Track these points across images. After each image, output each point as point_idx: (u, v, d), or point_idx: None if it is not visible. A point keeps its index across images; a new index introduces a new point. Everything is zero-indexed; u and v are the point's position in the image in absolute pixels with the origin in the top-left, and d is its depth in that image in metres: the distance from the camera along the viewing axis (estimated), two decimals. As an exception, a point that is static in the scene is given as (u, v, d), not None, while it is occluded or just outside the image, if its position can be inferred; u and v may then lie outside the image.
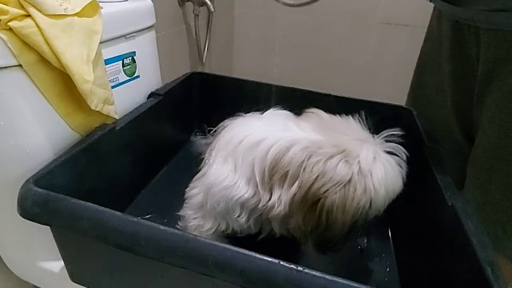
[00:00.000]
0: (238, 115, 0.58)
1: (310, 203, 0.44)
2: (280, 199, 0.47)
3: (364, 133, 0.49)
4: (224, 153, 0.52)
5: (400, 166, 0.47)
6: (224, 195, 0.50)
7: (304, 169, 0.44)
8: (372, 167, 0.44)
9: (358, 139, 0.46)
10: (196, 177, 0.59)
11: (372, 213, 0.45)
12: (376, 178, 0.43)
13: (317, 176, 0.43)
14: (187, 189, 0.60)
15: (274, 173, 0.47)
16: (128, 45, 0.66)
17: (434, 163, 0.59)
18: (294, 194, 0.45)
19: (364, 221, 0.45)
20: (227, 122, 0.58)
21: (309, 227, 0.46)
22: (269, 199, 0.48)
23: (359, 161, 0.44)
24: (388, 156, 0.46)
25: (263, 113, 0.57)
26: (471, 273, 0.39)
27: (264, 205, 0.48)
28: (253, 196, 0.49)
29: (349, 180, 0.43)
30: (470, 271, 0.40)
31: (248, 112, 0.60)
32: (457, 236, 0.44)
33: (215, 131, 0.61)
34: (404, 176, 0.47)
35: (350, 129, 0.49)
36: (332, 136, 0.48)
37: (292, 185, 0.46)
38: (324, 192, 0.43)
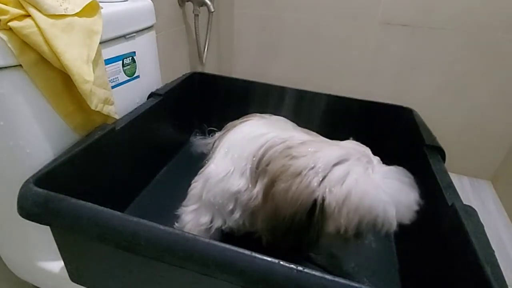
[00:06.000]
0: (251, 115, 0.60)
1: (270, 191, 0.45)
2: (258, 192, 0.48)
3: (361, 147, 0.47)
4: (225, 147, 0.54)
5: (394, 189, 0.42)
6: (220, 186, 0.51)
7: (274, 162, 0.46)
8: (333, 169, 0.42)
9: (344, 147, 0.45)
10: (200, 170, 0.59)
11: (329, 222, 0.42)
12: (333, 178, 0.42)
13: (281, 169, 0.44)
14: (192, 181, 0.61)
15: (259, 168, 0.49)
16: (128, 45, 0.66)
17: (434, 163, 0.59)
18: (265, 186, 0.46)
19: (312, 224, 0.43)
20: (235, 122, 0.59)
21: (264, 216, 0.46)
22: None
23: (320, 160, 0.43)
24: (370, 171, 0.42)
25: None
26: (471, 273, 0.39)
27: (251, 199, 0.49)
28: (245, 190, 0.50)
29: (299, 173, 0.43)
30: (470, 271, 0.40)
31: (250, 113, 0.61)
32: (457, 236, 0.44)
33: (214, 131, 0.62)
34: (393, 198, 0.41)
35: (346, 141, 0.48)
36: (320, 139, 0.48)
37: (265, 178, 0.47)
38: (278, 181, 0.44)
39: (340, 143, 0.47)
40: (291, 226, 0.44)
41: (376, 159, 0.45)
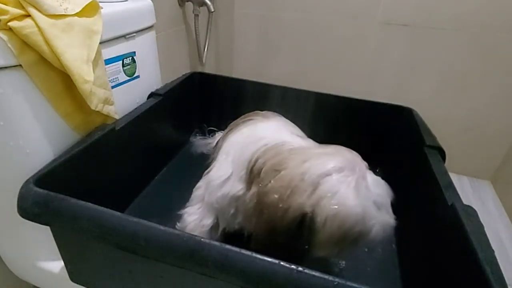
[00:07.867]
0: (255, 114, 0.60)
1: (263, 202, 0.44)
2: (252, 195, 0.48)
3: (351, 154, 0.45)
4: (226, 149, 0.54)
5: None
6: (221, 190, 0.51)
7: (265, 171, 0.45)
8: (323, 180, 0.41)
9: (333, 155, 0.44)
10: (205, 172, 0.60)
11: (318, 234, 0.41)
12: (323, 191, 0.40)
13: (273, 180, 0.44)
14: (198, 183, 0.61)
15: (252, 173, 0.48)
16: (128, 45, 0.66)
17: (434, 163, 0.59)
18: (257, 193, 0.46)
19: (287, 234, 0.42)
20: (238, 120, 0.59)
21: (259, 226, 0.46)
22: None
23: (310, 170, 0.42)
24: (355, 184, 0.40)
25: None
26: (471, 273, 0.39)
27: (246, 202, 0.49)
28: (243, 194, 0.50)
29: (289, 185, 0.42)
30: (470, 271, 0.40)
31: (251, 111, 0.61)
32: (457, 236, 0.44)
33: (214, 131, 0.62)
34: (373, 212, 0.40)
35: (344, 150, 0.45)
36: (310, 145, 0.48)
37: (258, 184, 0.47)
38: (270, 192, 0.43)
39: (329, 150, 0.45)
40: (286, 236, 0.42)
41: (367, 172, 0.43)
